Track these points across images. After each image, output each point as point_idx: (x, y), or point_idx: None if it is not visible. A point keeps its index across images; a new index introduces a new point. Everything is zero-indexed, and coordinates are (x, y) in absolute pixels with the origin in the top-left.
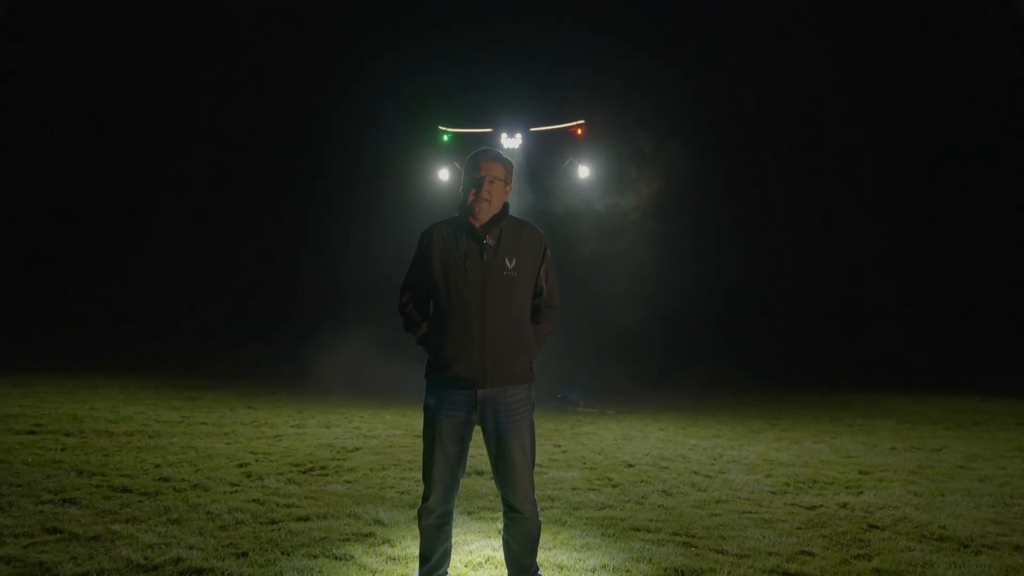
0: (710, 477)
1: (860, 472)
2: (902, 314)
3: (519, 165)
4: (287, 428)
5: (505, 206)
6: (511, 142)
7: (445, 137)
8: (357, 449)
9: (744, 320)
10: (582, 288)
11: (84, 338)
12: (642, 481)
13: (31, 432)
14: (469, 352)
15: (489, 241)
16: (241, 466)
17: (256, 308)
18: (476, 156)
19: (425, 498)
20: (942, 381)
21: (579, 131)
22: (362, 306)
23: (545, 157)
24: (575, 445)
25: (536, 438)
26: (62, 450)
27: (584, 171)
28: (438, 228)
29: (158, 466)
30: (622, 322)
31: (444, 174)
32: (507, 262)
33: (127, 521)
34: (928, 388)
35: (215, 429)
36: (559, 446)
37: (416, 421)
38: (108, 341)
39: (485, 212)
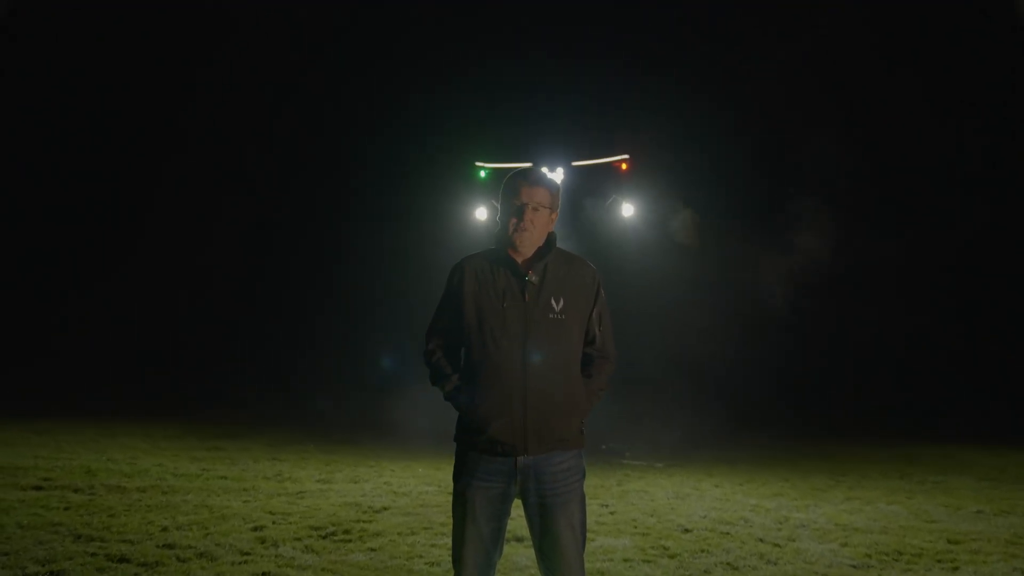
0: (779, 546)
1: (949, 541)
2: (970, 356)
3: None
4: (312, 483)
5: (551, 237)
6: (552, 177)
7: (482, 173)
8: (385, 509)
9: (795, 361)
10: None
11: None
12: (702, 551)
13: (38, 488)
14: (508, 411)
15: (532, 278)
16: (256, 529)
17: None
18: (515, 179)
19: None
20: (1016, 432)
21: (623, 166)
22: (394, 347)
23: (588, 194)
24: (624, 505)
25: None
26: (65, 509)
27: (628, 209)
28: (471, 262)
29: (165, 529)
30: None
31: (481, 213)
32: (553, 303)
33: None
34: (1002, 440)
35: (234, 484)
36: (606, 506)
37: (451, 475)
38: (137, 380)
39: (527, 244)
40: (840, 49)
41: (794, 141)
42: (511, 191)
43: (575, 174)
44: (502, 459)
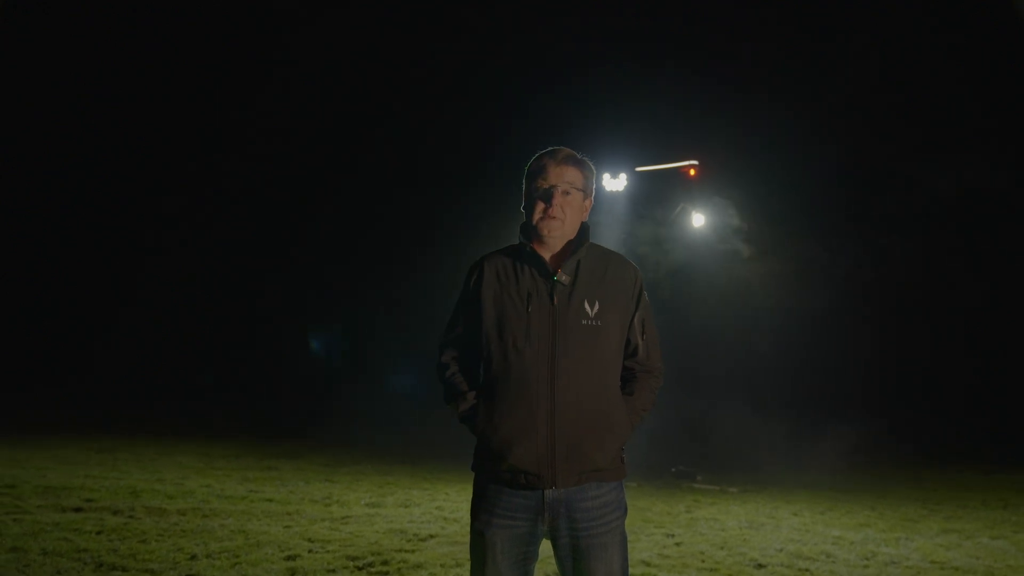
0: None
1: None
2: None
3: (622, 208)
4: (359, 508)
5: (584, 229)
6: (615, 183)
7: None
8: (432, 536)
9: (882, 378)
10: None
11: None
12: None
13: (78, 509)
14: (532, 435)
15: (562, 277)
16: (289, 559)
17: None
18: (542, 158)
19: None
20: None
21: (692, 171)
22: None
23: (654, 202)
24: (691, 535)
25: (642, 529)
26: (97, 533)
27: (699, 219)
28: (491, 260)
29: (193, 557)
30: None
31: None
32: (587, 307)
33: None
34: None
35: (279, 508)
36: (672, 536)
37: None
38: (209, 397)
39: (557, 236)
40: (916, 61)
41: (877, 150)
42: (536, 171)
43: (640, 180)
44: (527, 492)
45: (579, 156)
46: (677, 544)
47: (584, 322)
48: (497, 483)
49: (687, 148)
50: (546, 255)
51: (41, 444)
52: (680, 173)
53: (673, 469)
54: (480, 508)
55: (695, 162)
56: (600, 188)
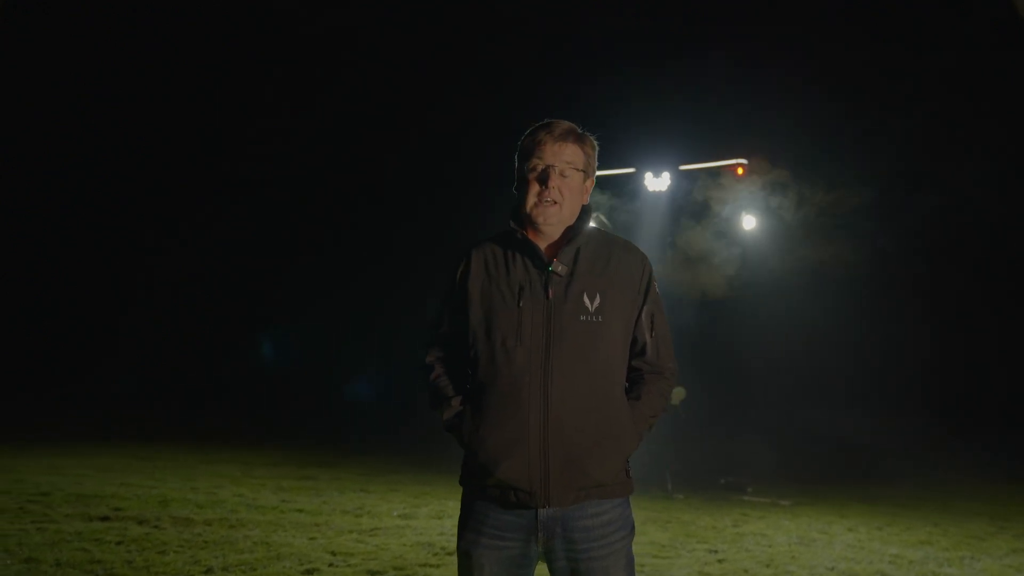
0: None
1: None
2: None
3: (665, 209)
4: (390, 519)
5: (584, 212)
6: (657, 183)
7: None
8: None
9: (944, 385)
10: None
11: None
12: None
13: (104, 518)
14: (522, 449)
15: (558, 267)
16: (308, 572)
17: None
18: (537, 133)
19: None
20: None
21: (740, 170)
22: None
23: (698, 202)
24: (736, 551)
25: (684, 544)
26: (117, 544)
27: (750, 221)
28: (480, 250)
29: (208, 570)
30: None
31: None
32: (586, 300)
33: None
34: None
35: (307, 519)
36: (715, 552)
37: None
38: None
39: (553, 223)
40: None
41: (939, 148)
42: (531, 148)
43: (683, 179)
44: (519, 510)
45: (579, 130)
46: (720, 561)
47: (583, 318)
48: (485, 500)
49: (735, 145)
50: (542, 243)
51: (78, 451)
52: (728, 172)
53: (723, 480)
54: (466, 526)
55: (744, 160)
56: (642, 188)
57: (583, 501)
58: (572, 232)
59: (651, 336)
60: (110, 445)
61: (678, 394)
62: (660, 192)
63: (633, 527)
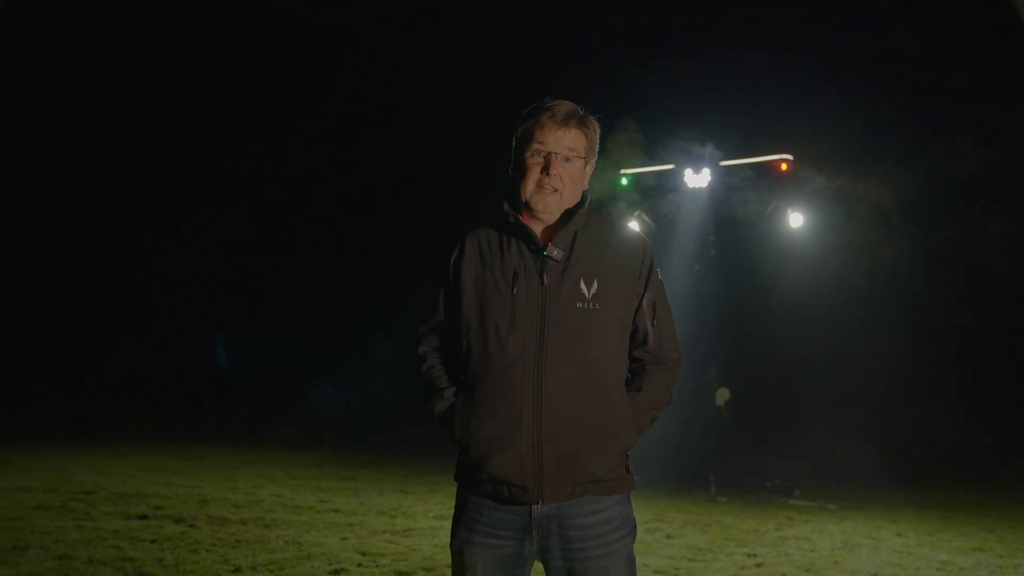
0: None
1: None
2: None
3: (705, 206)
4: (425, 520)
5: (583, 196)
6: (697, 179)
7: (624, 180)
8: None
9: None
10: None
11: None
12: None
13: (142, 517)
14: (514, 442)
15: (553, 252)
16: (335, 573)
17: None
18: (539, 116)
19: None
20: None
21: (784, 166)
22: None
23: (739, 201)
24: (776, 556)
25: (722, 548)
26: (151, 542)
27: (797, 219)
28: (474, 235)
29: (237, 569)
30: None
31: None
32: (583, 286)
33: None
34: None
35: (342, 519)
36: (753, 556)
37: None
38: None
39: (553, 211)
40: None
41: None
42: (531, 132)
43: (724, 175)
44: (512, 507)
45: (582, 113)
46: (757, 565)
47: (579, 305)
48: (478, 496)
49: (779, 141)
50: (537, 227)
51: (125, 451)
52: (771, 168)
53: (769, 484)
54: (460, 524)
55: (788, 156)
56: (682, 184)
57: (579, 497)
58: (568, 215)
59: (653, 325)
60: (154, 445)
61: (722, 395)
62: (700, 189)
63: (635, 526)
